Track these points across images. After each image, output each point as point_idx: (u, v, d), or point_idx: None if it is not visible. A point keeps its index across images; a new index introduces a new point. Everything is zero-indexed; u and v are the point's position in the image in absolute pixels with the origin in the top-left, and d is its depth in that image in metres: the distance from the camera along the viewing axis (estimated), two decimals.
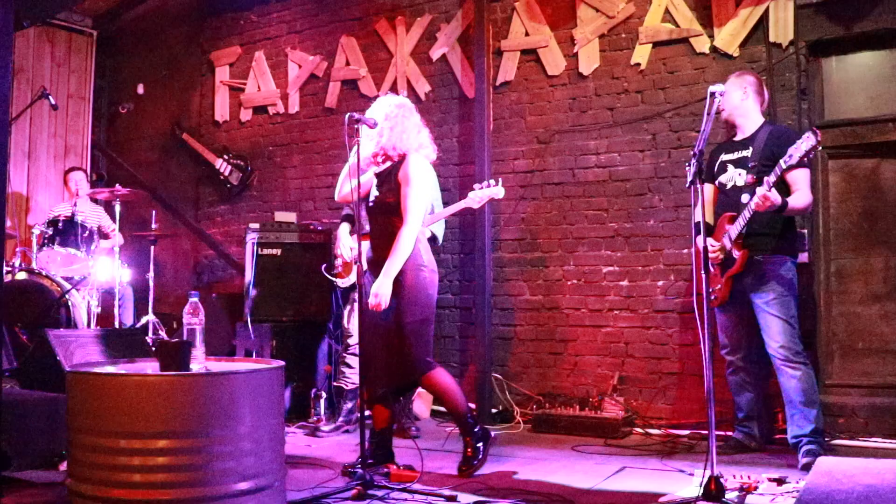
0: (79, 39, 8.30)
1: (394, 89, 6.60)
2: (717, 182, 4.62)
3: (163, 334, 6.58)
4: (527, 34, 6.05)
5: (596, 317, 5.70)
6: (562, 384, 5.77)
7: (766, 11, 5.21)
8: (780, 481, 3.65)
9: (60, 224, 6.43)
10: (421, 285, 4.12)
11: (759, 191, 4.07)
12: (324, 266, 5.42)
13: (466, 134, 6.25)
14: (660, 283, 5.49)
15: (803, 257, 4.93)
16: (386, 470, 3.99)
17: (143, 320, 6.59)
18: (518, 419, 5.56)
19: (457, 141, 6.28)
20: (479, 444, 4.18)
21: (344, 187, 4.29)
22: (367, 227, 4.52)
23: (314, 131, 7.08)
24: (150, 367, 3.29)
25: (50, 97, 6.45)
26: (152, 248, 6.92)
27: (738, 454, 4.51)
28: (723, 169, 4.59)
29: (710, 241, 4.46)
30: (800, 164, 4.07)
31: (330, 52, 7.00)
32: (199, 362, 3.23)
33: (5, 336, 5.60)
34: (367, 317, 4.09)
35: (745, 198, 4.31)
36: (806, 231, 5.04)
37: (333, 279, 5.37)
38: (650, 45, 5.59)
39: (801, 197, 4.26)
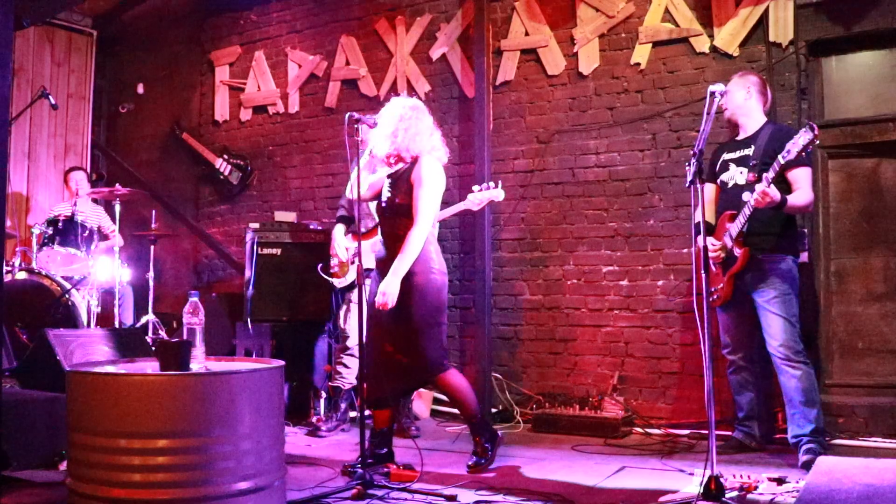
0: (79, 39, 8.30)
1: (394, 89, 6.61)
2: (718, 181, 4.62)
3: (163, 334, 6.58)
4: (527, 34, 6.05)
5: (596, 316, 5.71)
6: (562, 384, 5.77)
7: (766, 11, 5.21)
8: (780, 481, 3.65)
9: (60, 224, 6.42)
10: (432, 287, 4.14)
11: (759, 187, 4.07)
12: (320, 266, 5.43)
13: (466, 134, 6.25)
14: (660, 282, 5.49)
15: (804, 257, 4.93)
16: (386, 469, 3.99)
17: (143, 320, 6.59)
18: (518, 419, 5.56)
19: (457, 141, 6.28)
20: (488, 445, 4.21)
21: (362, 187, 4.30)
22: (369, 226, 4.52)
23: (314, 131, 7.08)
24: (150, 366, 3.29)
25: (50, 97, 6.44)
26: (152, 247, 6.92)
27: (738, 454, 4.50)
28: (724, 168, 4.59)
29: (711, 240, 4.46)
30: (799, 162, 4.07)
31: (330, 52, 7.01)
32: (199, 362, 3.23)
33: (5, 336, 5.60)
34: (376, 318, 4.12)
35: (746, 196, 4.30)
36: (805, 230, 5.04)
37: (329, 279, 5.37)
38: (650, 44, 5.59)
39: (801, 195, 4.26)
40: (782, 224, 4.38)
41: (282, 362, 3.22)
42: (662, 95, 5.56)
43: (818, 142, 3.87)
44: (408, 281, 4.07)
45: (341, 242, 5.29)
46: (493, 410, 5.78)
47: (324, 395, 5.47)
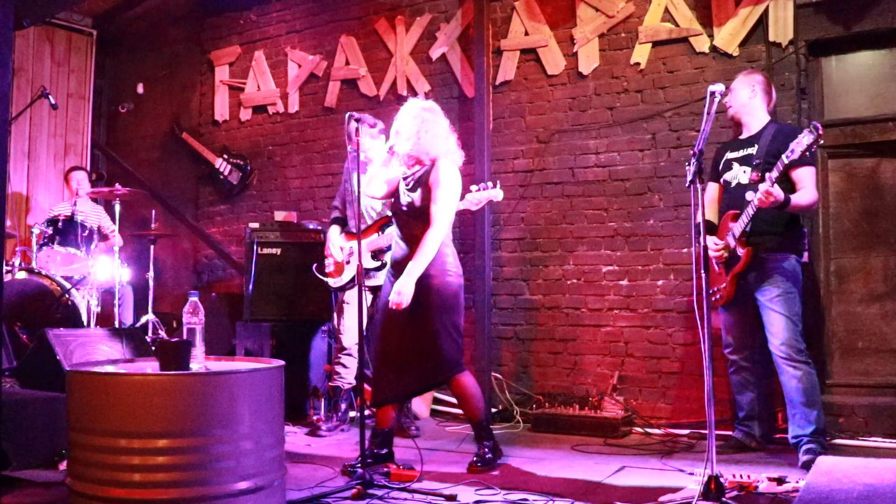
0: (79, 39, 8.30)
1: (393, 89, 6.61)
2: (721, 180, 4.61)
3: (162, 334, 6.58)
4: (526, 34, 6.05)
5: (596, 316, 5.71)
6: (561, 383, 5.77)
7: (766, 11, 5.21)
8: (780, 481, 3.65)
9: (60, 223, 6.42)
10: (449, 289, 4.17)
11: (762, 187, 4.05)
12: (315, 266, 5.43)
13: (466, 133, 6.24)
14: (659, 282, 5.49)
15: (804, 256, 4.92)
16: (386, 469, 3.99)
17: (143, 320, 6.59)
18: (518, 418, 5.56)
19: (456, 140, 6.26)
20: (490, 455, 4.23)
21: (379, 188, 4.35)
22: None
23: (314, 131, 7.08)
24: (150, 366, 3.29)
25: (50, 97, 6.44)
26: (152, 247, 6.92)
27: (738, 454, 4.50)
28: (728, 167, 4.57)
29: (714, 239, 4.45)
30: (803, 161, 4.05)
31: (330, 52, 7.01)
32: (199, 362, 3.23)
33: (5, 336, 5.60)
34: (390, 318, 4.15)
35: (749, 195, 4.28)
36: (805, 230, 5.04)
37: (324, 279, 5.37)
38: (650, 44, 5.59)
39: (805, 194, 4.24)
40: (786, 223, 4.36)
41: (281, 362, 3.22)
42: (662, 95, 5.56)
43: (822, 141, 3.86)
44: (425, 283, 4.10)
45: (336, 243, 5.30)
46: (493, 410, 5.78)
47: (324, 394, 5.46)
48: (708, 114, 3.63)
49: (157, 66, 8.20)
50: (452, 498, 3.54)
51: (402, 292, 4.02)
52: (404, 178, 4.32)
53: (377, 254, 5.06)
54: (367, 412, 4.10)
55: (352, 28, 6.91)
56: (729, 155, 4.60)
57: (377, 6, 6.78)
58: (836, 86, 5.19)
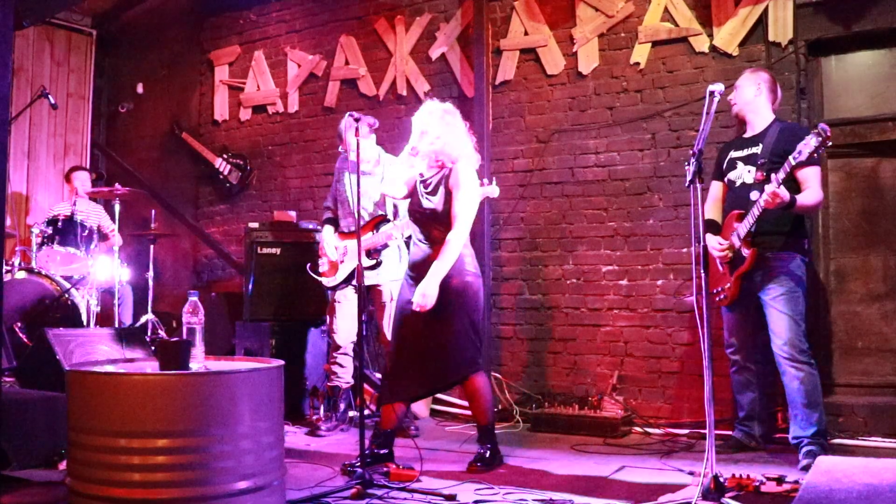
0: (78, 39, 8.30)
1: (393, 89, 6.62)
2: (725, 179, 4.59)
3: (162, 333, 6.58)
4: (526, 33, 6.05)
5: (595, 316, 5.71)
6: (561, 383, 5.77)
7: (766, 10, 5.21)
8: (780, 480, 3.65)
9: (60, 223, 6.42)
10: (469, 290, 4.20)
11: (769, 188, 4.03)
12: (308, 265, 5.43)
13: None
14: (659, 282, 5.49)
15: None
16: (385, 469, 3.99)
17: (143, 319, 6.59)
18: (517, 418, 5.56)
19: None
20: (489, 456, 4.24)
21: (399, 189, 4.37)
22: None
23: (313, 130, 7.08)
24: (150, 366, 3.29)
25: (49, 96, 6.44)
26: (152, 247, 6.92)
27: (738, 453, 4.50)
28: (732, 166, 4.55)
29: (718, 239, 4.44)
30: (810, 162, 4.03)
31: (329, 52, 7.01)
32: (199, 361, 3.23)
33: (5, 336, 5.60)
34: (407, 317, 4.19)
35: (753, 195, 4.26)
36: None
37: (318, 278, 5.37)
38: (649, 44, 5.59)
39: (811, 194, 4.22)
40: (791, 223, 4.34)
41: (281, 362, 3.22)
42: (662, 95, 5.56)
43: (830, 143, 3.85)
44: (444, 283, 4.13)
45: (331, 242, 5.32)
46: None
47: (323, 394, 5.46)
48: (707, 113, 3.62)
49: (156, 66, 8.20)
50: (452, 497, 3.54)
51: (427, 294, 4.05)
52: (423, 181, 4.34)
53: (371, 253, 5.07)
54: (366, 412, 4.10)
55: (351, 28, 6.91)
56: (733, 154, 4.58)
57: (377, 6, 6.78)
58: (836, 85, 5.19)
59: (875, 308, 5.04)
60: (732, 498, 3.37)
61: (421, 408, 5.76)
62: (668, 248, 5.47)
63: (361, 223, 5.19)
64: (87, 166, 8.07)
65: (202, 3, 7.82)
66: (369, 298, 5.31)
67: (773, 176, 4.06)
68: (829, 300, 5.14)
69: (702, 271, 3.48)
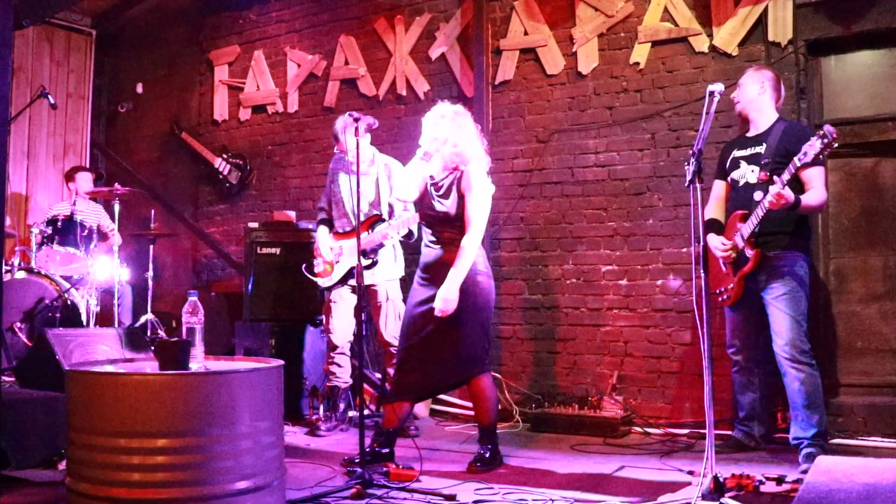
0: (78, 38, 8.30)
1: (393, 89, 6.62)
2: (729, 179, 4.58)
3: (162, 333, 6.58)
4: (526, 33, 6.05)
5: (595, 316, 5.70)
6: (561, 383, 5.77)
7: (765, 10, 5.21)
8: (780, 480, 3.65)
9: (59, 223, 6.42)
10: (480, 289, 4.23)
11: (773, 189, 4.02)
12: (304, 266, 5.43)
13: None
14: (658, 282, 5.49)
15: None
16: (385, 469, 3.99)
17: (142, 319, 6.59)
18: (517, 418, 5.56)
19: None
20: (489, 456, 4.25)
21: (411, 192, 4.38)
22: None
23: (313, 130, 7.08)
24: (150, 366, 3.29)
25: (49, 96, 6.44)
26: (151, 247, 6.92)
27: (737, 453, 4.50)
28: (735, 165, 4.54)
29: (721, 239, 4.43)
30: (814, 162, 3.99)
31: (329, 52, 7.01)
32: (199, 361, 3.23)
33: (4, 336, 5.61)
34: (418, 317, 4.22)
35: (757, 195, 4.25)
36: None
37: (314, 278, 5.37)
38: (649, 44, 5.59)
39: (815, 194, 4.20)
40: (795, 222, 4.32)
41: (281, 362, 3.22)
42: (661, 95, 5.55)
43: (836, 145, 3.83)
44: None
45: (326, 243, 5.32)
46: None
47: (323, 394, 5.46)
48: (707, 113, 3.62)
49: (156, 66, 8.19)
50: (452, 497, 3.54)
51: (447, 299, 4.09)
52: (434, 184, 4.35)
53: (367, 252, 5.08)
54: (366, 412, 4.10)
55: (351, 28, 6.91)
56: (736, 153, 4.56)
57: (376, 6, 6.78)
58: (836, 85, 5.19)
59: (874, 308, 5.04)
60: (732, 498, 3.37)
61: (421, 408, 5.75)
62: (668, 248, 5.47)
63: (349, 227, 5.23)
64: (87, 166, 8.07)
65: (202, 2, 7.83)
66: (365, 298, 5.31)
67: (776, 177, 4.04)
68: (828, 300, 5.14)
69: (702, 271, 3.48)
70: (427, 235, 4.40)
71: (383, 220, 5.12)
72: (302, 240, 6.07)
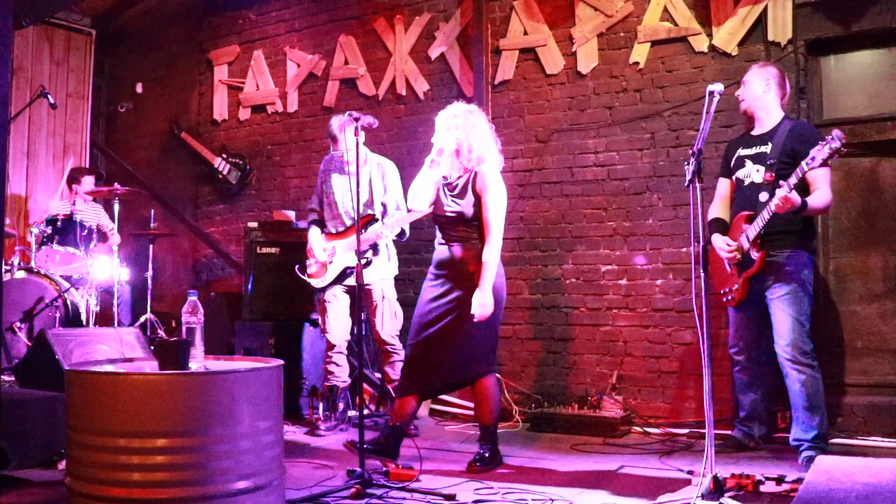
0: (78, 38, 8.30)
1: (392, 88, 6.62)
2: (733, 177, 4.56)
3: (161, 333, 6.58)
4: (525, 33, 6.05)
5: (595, 315, 5.70)
6: (560, 383, 5.77)
7: (765, 10, 5.21)
8: (780, 480, 3.64)
9: (59, 223, 6.42)
10: (492, 290, 4.23)
11: (780, 192, 4.01)
12: (297, 267, 5.43)
13: None
14: (658, 281, 5.49)
15: None
16: (385, 469, 3.99)
17: (142, 319, 6.59)
18: (517, 418, 5.56)
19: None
20: (489, 456, 4.26)
21: (423, 201, 4.41)
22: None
23: (313, 130, 7.08)
24: (149, 366, 3.29)
25: (49, 96, 6.43)
26: (151, 246, 6.92)
27: (737, 453, 4.50)
28: (740, 164, 4.52)
29: (726, 239, 4.42)
30: (821, 164, 4.01)
31: (328, 51, 7.00)
32: (198, 361, 3.23)
33: (4, 335, 5.60)
34: (429, 314, 4.27)
35: (763, 196, 4.25)
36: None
37: (307, 279, 5.37)
38: (648, 43, 5.59)
39: (820, 196, 4.18)
40: (801, 222, 4.31)
41: (281, 361, 3.22)
42: (661, 95, 5.55)
43: (844, 151, 3.82)
44: (466, 282, 4.21)
45: (319, 244, 5.32)
46: None
47: (322, 394, 5.46)
48: (707, 113, 3.62)
49: (156, 66, 8.19)
50: (451, 497, 3.54)
51: (484, 304, 4.14)
52: (448, 184, 4.38)
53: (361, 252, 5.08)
54: (365, 411, 4.10)
55: (350, 27, 6.90)
56: (741, 151, 4.54)
57: (376, 6, 6.78)
58: (835, 85, 5.19)
59: (874, 308, 5.04)
60: (732, 497, 3.37)
61: (421, 407, 5.75)
62: (668, 247, 5.47)
63: (351, 223, 5.23)
64: (87, 166, 8.07)
65: (201, 2, 7.82)
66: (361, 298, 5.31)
67: (783, 181, 4.02)
68: (828, 300, 5.14)
69: (701, 271, 3.47)
70: (440, 234, 4.43)
71: (377, 220, 5.13)
72: (301, 240, 6.03)
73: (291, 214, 6.60)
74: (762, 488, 3.57)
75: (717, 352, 4.88)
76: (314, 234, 5.39)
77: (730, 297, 4.48)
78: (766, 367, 4.58)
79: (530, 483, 3.86)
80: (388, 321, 5.26)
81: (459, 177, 4.34)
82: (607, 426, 5.10)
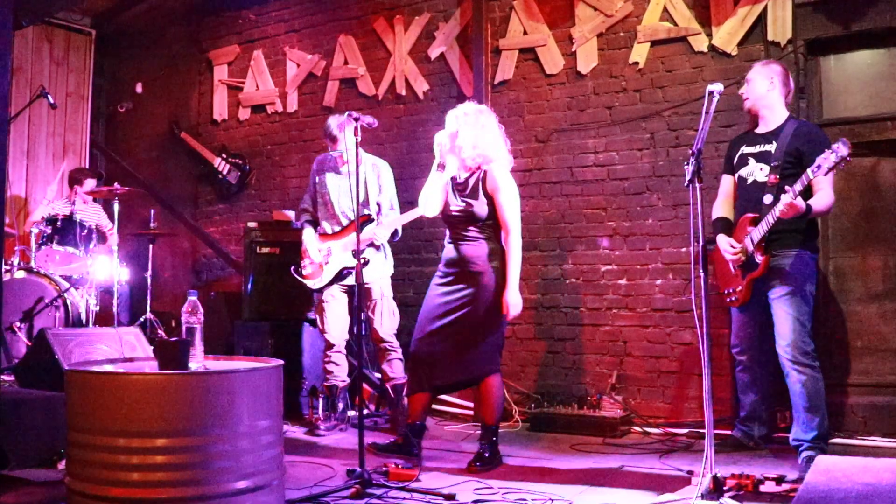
0: (77, 38, 8.30)
1: (392, 88, 6.61)
2: (736, 175, 4.55)
3: (161, 333, 6.57)
4: (525, 33, 6.05)
5: (594, 315, 5.70)
6: (560, 383, 5.77)
7: (765, 10, 5.21)
8: (779, 480, 3.65)
9: (59, 222, 6.42)
10: (498, 287, 4.28)
11: (785, 198, 3.99)
12: (293, 268, 5.43)
13: None
14: (658, 281, 5.49)
15: None
16: (385, 468, 4.00)
17: (142, 319, 6.58)
18: (516, 418, 5.56)
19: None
20: (488, 455, 4.27)
21: (434, 207, 4.45)
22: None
23: (312, 130, 7.08)
24: (149, 365, 3.29)
25: (49, 96, 6.43)
26: (151, 246, 6.92)
27: (737, 452, 4.50)
28: (743, 162, 4.50)
29: (731, 241, 4.41)
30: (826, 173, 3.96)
31: (328, 51, 7.00)
32: (198, 361, 3.23)
33: (4, 335, 5.60)
34: (436, 312, 4.32)
35: (767, 199, 4.24)
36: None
37: (303, 280, 5.37)
38: (648, 43, 5.59)
39: (823, 198, 4.17)
40: (803, 222, 4.29)
41: (280, 361, 3.22)
42: (661, 94, 5.55)
43: (850, 160, 3.81)
44: (475, 280, 4.27)
45: (314, 245, 5.33)
46: None
47: (322, 394, 5.46)
48: (707, 113, 3.62)
49: (155, 66, 8.19)
50: (451, 497, 3.54)
51: (513, 303, 4.24)
52: (457, 185, 4.40)
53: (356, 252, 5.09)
54: (365, 411, 4.10)
55: (350, 27, 6.90)
56: (745, 149, 4.52)
57: (375, 5, 6.78)
58: (835, 85, 5.18)
59: (874, 307, 5.04)
60: (731, 497, 3.38)
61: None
62: (668, 247, 5.47)
63: (347, 223, 5.24)
64: (87, 166, 8.07)
65: (201, 2, 7.82)
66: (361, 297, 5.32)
67: (788, 187, 4.01)
68: (828, 299, 5.14)
69: (701, 271, 3.47)
70: (449, 233, 4.46)
71: (372, 220, 5.15)
72: (301, 239, 6.06)
73: (291, 214, 6.60)
74: (762, 488, 3.57)
75: (717, 352, 4.87)
76: (308, 234, 5.39)
77: (734, 298, 4.48)
78: (767, 366, 4.57)
79: (529, 483, 3.86)
80: (388, 319, 5.28)
81: (469, 176, 4.37)
82: (607, 426, 5.10)
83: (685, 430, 5.13)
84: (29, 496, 3.54)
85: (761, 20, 5.23)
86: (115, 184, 6.68)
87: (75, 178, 7.18)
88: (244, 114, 7.51)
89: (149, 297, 6.69)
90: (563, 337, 5.81)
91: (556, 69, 5.92)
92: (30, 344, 5.47)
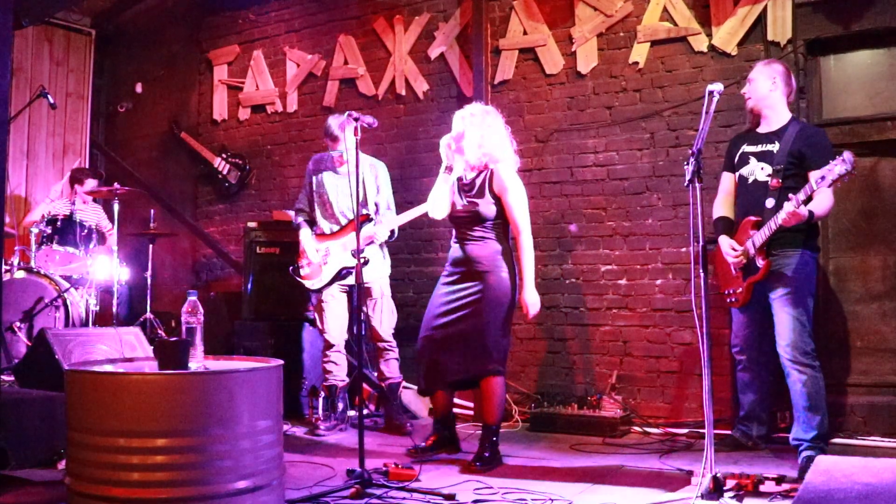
0: (77, 38, 8.30)
1: (392, 88, 6.61)
2: (737, 174, 4.54)
3: (161, 333, 6.57)
4: (525, 33, 6.05)
5: (594, 315, 5.70)
6: (560, 383, 5.77)
7: (765, 10, 5.21)
8: (779, 480, 3.65)
9: (59, 222, 6.42)
10: (504, 286, 4.34)
11: (787, 206, 3.99)
12: (291, 268, 5.43)
13: None
14: (658, 281, 5.49)
15: None
16: (384, 468, 3.99)
17: (141, 319, 6.58)
18: (516, 418, 5.56)
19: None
20: (488, 455, 4.27)
21: (443, 209, 4.47)
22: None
23: (312, 130, 7.08)
24: (149, 365, 3.29)
25: (48, 96, 6.43)
26: (151, 246, 6.91)
27: (736, 452, 4.50)
28: (744, 160, 4.49)
29: (732, 243, 4.41)
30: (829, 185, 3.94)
31: (328, 51, 7.00)
32: (198, 361, 3.23)
33: (4, 335, 5.60)
34: (443, 311, 4.36)
35: (769, 202, 4.24)
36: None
37: (301, 280, 5.37)
38: (648, 43, 5.59)
39: (823, 202, 4.16)
40: (807, 224, 4.29)
41: (280, 361, 3.22)
42: (661, 94, 5.55)
43: (855, 174, 3.80)
44: (482, 279, 4.30)
45: (311, 245, 5.33)
46: None
47: (322, 394, 5.46)
48: (706, 113, 3.62)
49: (155, 66, 8.19)
50: (451, 497, 3.54)
51: (530, 302, 4.34)
52: (463, 185, 4.43)
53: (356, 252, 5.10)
54: (364, 411, 4.10)
55: (350, 27, 6.90)
56: (746, 148, 4.51)
57: (375, 6, 6.78)
58: (835, 85, 5.18)
59: (874, 307, 5.04)
60: (731, 497, 3.38)
61: (420, 407, 5.76)
62: (667, 247, 5.47)
63: (345, 223, 5.24)
64: (87, 166, 8.07)
65: (201, 2, 7.82)
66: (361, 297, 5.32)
67: (792, 195, 4.00)
68: (827, 300, 5.14)
69: (701, 271, 3.48)
70: (455, 232, 4.49)
71: (371, 220, 5.15)
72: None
73: (292, 214, 6.60)
74: (762, 488, 3.57)
75: (717, 352, 4.87)
76: (305, 234, 5.39)
77: (733, 299, 4.48)
78: (767, 366, 4.57)
79: (529, 482, 3.86)
80: (387, 318, 5.29)
81: (475, 176, 4.39)
82: (607, 426, 5.10)
83: (685, 430, 5.13)
84: (29, 496, 3.54)
85: (761, 20, 5.23)
86: (115, 184, 6.69)
87: (76, 178, 7.17)
88: (244, 114, 7.51)
89: (149, 298, 6.69)
90: (563, 337, 5.81)
91: (556, 69, 5.93)
92: (30, 344, 5.47)
